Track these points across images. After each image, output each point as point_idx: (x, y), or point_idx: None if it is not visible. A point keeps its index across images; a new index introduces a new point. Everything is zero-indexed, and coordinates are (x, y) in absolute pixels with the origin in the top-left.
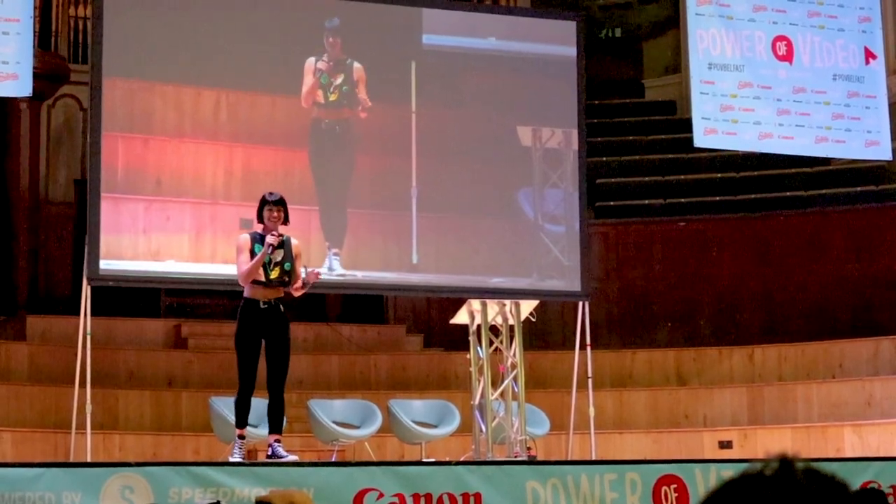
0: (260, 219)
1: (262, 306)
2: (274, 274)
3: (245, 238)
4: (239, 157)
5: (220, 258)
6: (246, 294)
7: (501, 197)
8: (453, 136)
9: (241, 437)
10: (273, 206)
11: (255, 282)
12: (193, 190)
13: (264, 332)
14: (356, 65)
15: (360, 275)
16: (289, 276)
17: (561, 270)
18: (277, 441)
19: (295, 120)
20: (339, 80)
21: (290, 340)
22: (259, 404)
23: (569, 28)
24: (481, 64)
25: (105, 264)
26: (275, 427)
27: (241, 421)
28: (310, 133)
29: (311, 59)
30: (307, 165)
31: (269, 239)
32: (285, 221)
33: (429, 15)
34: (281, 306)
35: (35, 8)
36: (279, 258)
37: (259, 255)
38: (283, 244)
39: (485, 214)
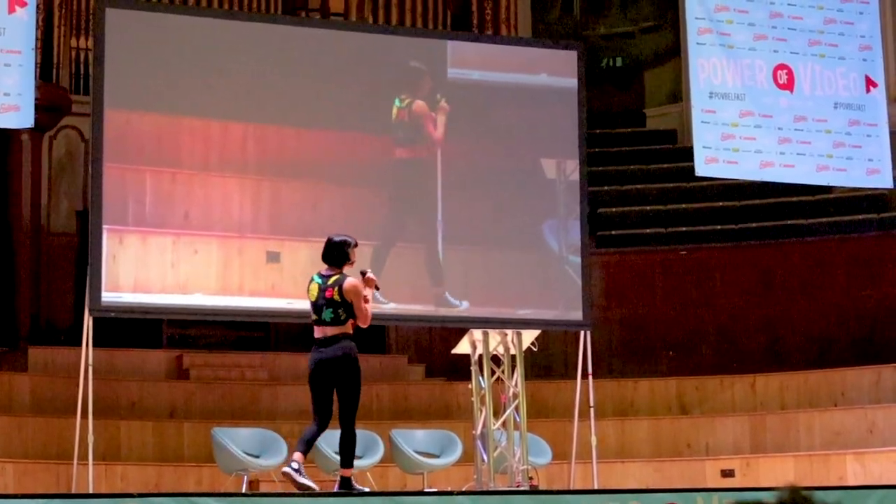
0: (347, 260)
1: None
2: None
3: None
4: (255, 189)
5: (248, 290)
6: (349, 332)
7: (527, 229)
8: (478, 168)
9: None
10: (356, 247)
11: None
12: (201, 222)
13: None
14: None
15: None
16: None
17: (578, 302)
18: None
19: (305, 152)
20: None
21: None
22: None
23: (570, 58)
24: (505, 95)
25: (107, 296)
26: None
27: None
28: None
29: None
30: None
31: (376, 282)
32: None
33: (453, 48)
34: None
35: (37, 40)
36: None
37: (370, 296)
38: None
39: (511, 247)
